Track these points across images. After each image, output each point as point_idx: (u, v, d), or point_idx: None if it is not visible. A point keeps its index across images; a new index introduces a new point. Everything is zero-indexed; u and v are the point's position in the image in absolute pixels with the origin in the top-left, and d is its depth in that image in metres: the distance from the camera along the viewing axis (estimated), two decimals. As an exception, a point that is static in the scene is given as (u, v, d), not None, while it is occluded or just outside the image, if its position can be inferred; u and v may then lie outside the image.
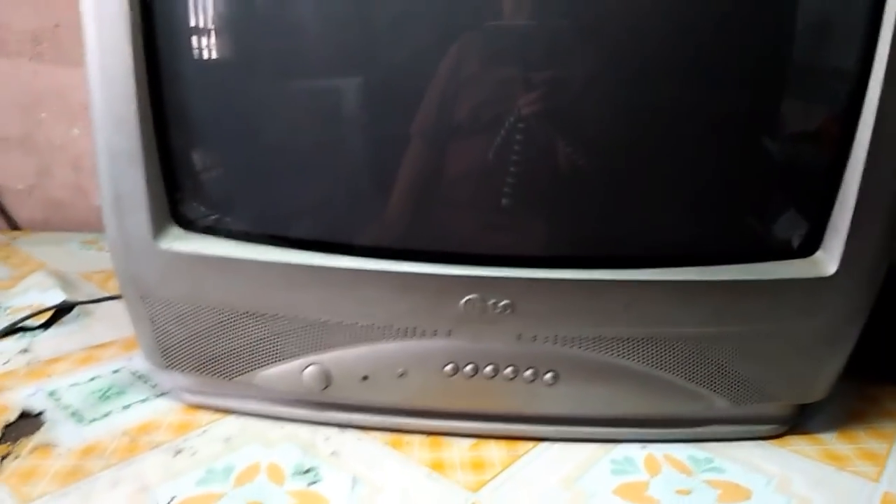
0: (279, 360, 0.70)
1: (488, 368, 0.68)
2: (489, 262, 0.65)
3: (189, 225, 0.68)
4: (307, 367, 0.69)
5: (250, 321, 0.68)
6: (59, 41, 1.33)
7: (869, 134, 0.60)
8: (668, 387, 0.69)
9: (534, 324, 0.66)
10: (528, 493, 0.65)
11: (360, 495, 0.63)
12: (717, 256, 0.66)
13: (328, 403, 0.73)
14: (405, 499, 0.64)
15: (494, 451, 0.70)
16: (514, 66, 0.63)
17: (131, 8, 0.60)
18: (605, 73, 0.63)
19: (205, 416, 0.75)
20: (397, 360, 0.69)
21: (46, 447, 0.69)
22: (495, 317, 0.65)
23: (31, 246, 1.31)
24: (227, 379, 0.71)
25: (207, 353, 0.70)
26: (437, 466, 0.68)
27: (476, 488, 0.65)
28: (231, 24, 0.66)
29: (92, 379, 0.82)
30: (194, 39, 0.65)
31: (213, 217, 0.69)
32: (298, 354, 0.69)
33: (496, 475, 0.67)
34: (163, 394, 0.79)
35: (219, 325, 0.69)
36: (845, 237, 0.63)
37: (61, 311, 0.97)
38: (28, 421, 0.73)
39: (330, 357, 0.69)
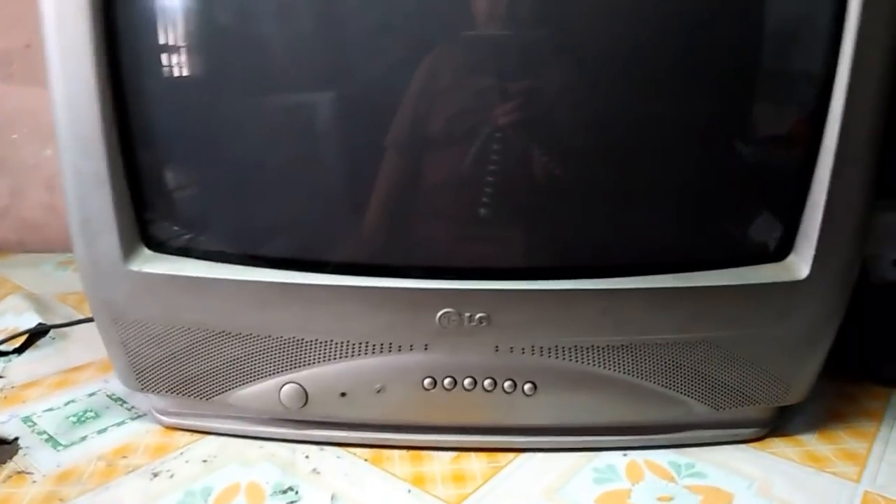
0: (255, 380, 0.69)
1: (467, 381, 0.68)
2: (464, 276, 0.65)
3: (159, 246, 0.67)
4: (284, 385, 0.69)
5: (224, 341, 0.68)
6: (29, 62, 1.32)
7: (836, 137, 0.60)
8: (648, 394, 0.69)
9: (510, 335, 0.66)
10: (509, 505, 0.64)
11: (340, 514, 0.63)
12: (692, 262, 0.66)
13: (307, 421, 0.72)
14: (386, 516, 0.63)
15: (475, 463, 0.70)
16: (489, 76, 0.63)
17: (94, 29, 0.60)
18: (580, 82, 0.64)
19: (182, 438, 0.74)
20: (375, 375, 0.68)
21: (22, 474, 0.68)
22: (471, 329, 0.65)
23: (5, 268, 1.29)
24: (203, 399, 0.71)
25: (182, 374, 0.70)
26: (418, 481, 0.67)
27: (457, 502, 0.64)
28: (198, 41, 0.65)
29: (67, 403, 0.81)
30: (160, 58, 0.64)
31: (184, 237, 0.68)
32: (275, 373, 0.69)
33: (477, 488, 0.66)
34: (139, 416, 0.78)
35: (193, 346, 0.68)
36: (816, 240, 0.63)
37: (36, 335, 0.96)
38: (3, 448, 0.72)
39: (307, 375, 0.69)
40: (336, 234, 0.69)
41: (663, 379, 0.68)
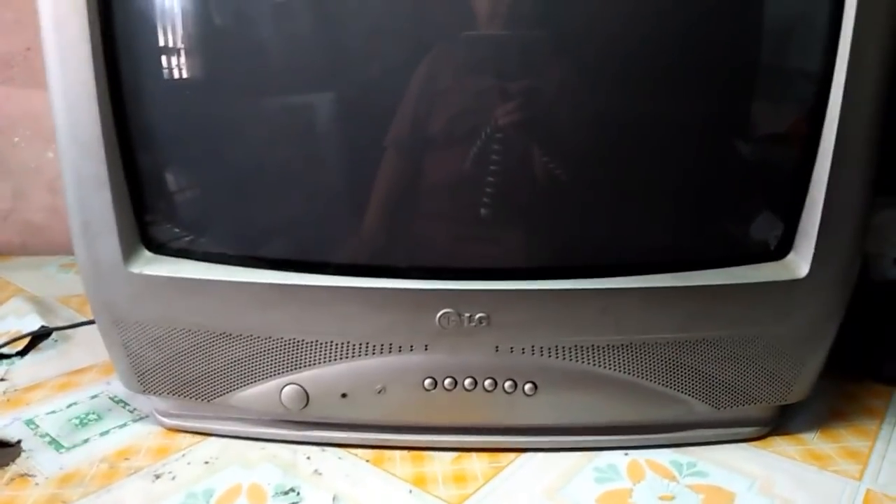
0: (256, 381, 0.69)
1: (467, 381, 0.68)
2: (463, 276, 0.65)
3: (160, 248, 0.67)
4: (285, 386, 0.69)
5: (225, 342, 0.68)
6: (30, 64, 1.32)
7: (833, 134, 0.60)
8: (648, 393, 0.69)
9: (511, 335, 0.66)
10: (510, 505, 0.65)
11: (341, 514, 0.63)
12: (692, 262, 0.66)
13: (308, 422, 0.72)
14: (387, 516, 0.63)
15: (476, 463, 0.70)
16: (490, 76, 0.63)
17: (92, 32, 0.60)
18: (580, 82, 0.64)
19: (184, 440, 0.74)
20: (375, 376, 0.68)
21: (24, 477, 0.68)
22: (471, 330, 0.65)
23: (8, 271, 1.30)
24: (204, 401, 0.71)
25: (183, 375, 0.70)
26: (419, 482, 0.67)
27: (458, 503, 0.64)
28: (196, 43, 0.66)
29: (70, 405, 0.81)
30: (159, 61, 0.64)
31: (185, 239, 0.68)
32: (275, 374, 0.69)
33: (478, 488, 0.66)
34: (142, 418, 0.78)
35: (194, 348, 0.68)
36: (815, 238, 0.63)
37: (38, 338, 0.96)
38: (5, 451, 0.72)
39: (307, 376, 0.69)
40: (336, 235, 0.69)
41: (664, 378, 0.68)
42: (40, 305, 1.09)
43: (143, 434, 0.75)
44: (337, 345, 0.67)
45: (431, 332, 0.65)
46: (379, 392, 0.69)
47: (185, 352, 0.69)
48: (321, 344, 0.67)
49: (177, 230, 0.69)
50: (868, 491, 0.65)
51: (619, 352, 0.67)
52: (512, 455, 0.71)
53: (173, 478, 0.68)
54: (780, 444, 0.73)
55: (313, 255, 0.68)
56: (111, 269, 0.66)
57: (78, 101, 0.61)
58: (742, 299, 0.66)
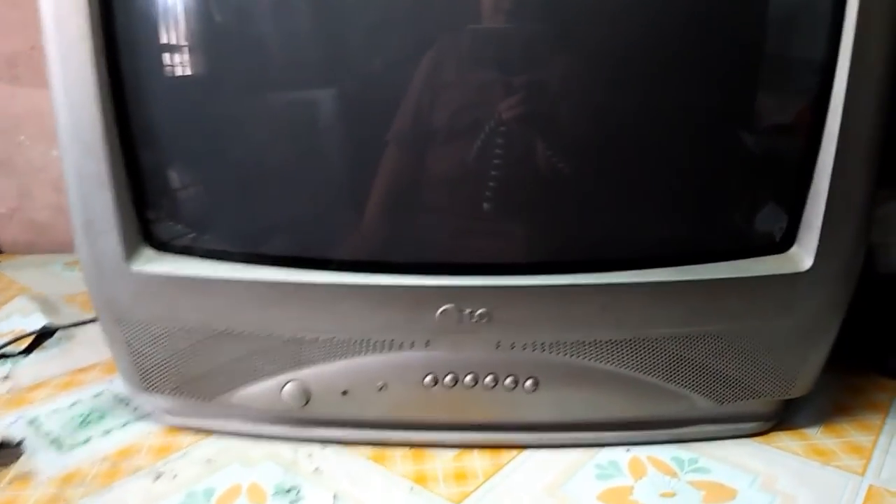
0: (258, 379, 0.69)
1: (468, 378, 0.68)
2: (464, 272, 0.64)
3: (162, 246, 0.67)
4: (286, 384, 0.69)
5: (227, 340, 0.68)
6: (35, 63, 1.32)
7: (837, 125, 0.60)
8: (650, 389, 0.68)
9: (512, 331, 0.66)
10: (511, 502, 0.64)
11: (342, 512, 0.63)
12: (694, 255, 0.65)
13: (309, 420, 0.72)
14: (387, 514, 0.63)
15: (478, 461, 0.70)
16: (493, 70, 0.62)
17: (93, 30, 0.60)
18: (583, 75, 0.63)
19: (186, 438, 0.74)
20: (376, 373, 0.68)
21: (26, 476, 0.68)
22: (472, 326, 0.65)
23: (13, 270, 1.30)
24: (206, 399, 0.71)
25: (185, 374, 0.70)
26: (420, 479, 0.67)
27: (459, 500, 0.64)
28: (196, 40, 0.65)
29: (73, 404, 0.81)
30: (160, 58, 0.64)
31: (186, 237, 0.68)
32: (277, 372, 0.69)
33: (479, 486, 0.66)
34: (144, 416, 0.78)
35: (195, 346, 0.68)
36: (819, 231, 0.63)
37: (42, 336, 0.97)
38: (8, 450, 0.72)
39: (308, 373, 0.69)
40: (338, 232, 0.69)
41: (666, 373, 0.68)
42: (45, 304, 1.10)
43: (144, 433, 0.75)
44: (338, 342, 0.67)
45: (432, 328, 0.65)
46: (380, 389, 0.69)
47: (187, 350, 0.68)
48: (322, 341, 0.67)
49: (179, 228, 0.69)
50: (871, 486, 0.65)
51: (620, 347, 0.67)
52: (513, 452, 0.71)
53: (174, 477, 0.68)
54: (782, 439, 0.73)
55: (315, 252, 0.68)
56: (113, 267, 0.66)
57: (79, 100, 0.61)
58: (745, 293, 0.65)
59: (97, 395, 0.83)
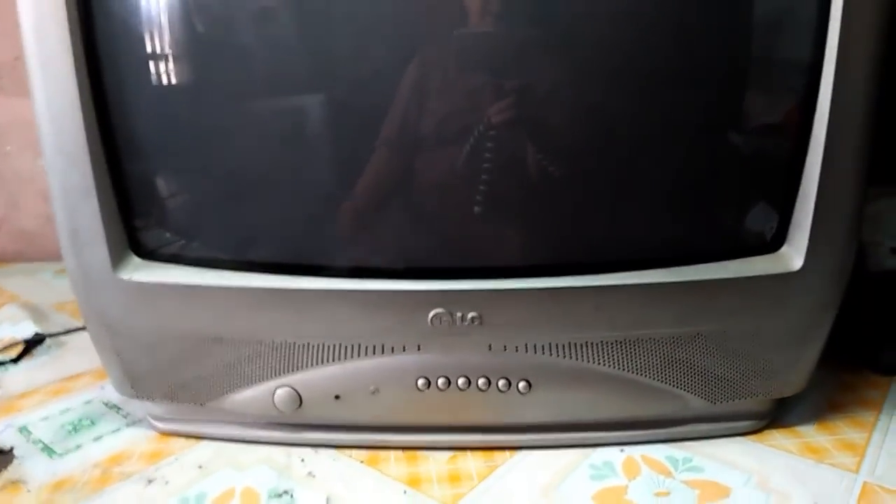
0: (249, 384, 0.69)
1: (461, 381, 0.68)
2: (455, 276, 0.64)
3: (149, 254, 0.67)
4: (277, 389, 0.69)
5: (217, 347, 0.67)
6: (19, 73, 1.31)
7: (825, 125, 0.60)
8: (643, 389, 0.68)
9: (503, 334, 0.66)
10: (505, 504, 0.64)
11: (335, 517, 0.63)
12: (685, 257, 0.65)
13: (302, 424, 0.72)
14: (381, 518, 0.63)
15: (471, 462, 0.70)
16: (482, 74, 0.62)
17: (73, 41, 0.59)
18: (573, 78, 0.63)
19: (177, 444, 0.74)
20: (368, 377, 0.68)
21: (17, 484, 0.68)
22: (464, 329, 0.65)
23: (3, 278, 1.29)
24: (197, 405, 0.70)
25: (176, 380, 0.69)
26: (414, 482, 0.67)
27: (453, 502, 0.64)
28: (180, 49, 0.65)
29: (63, 411, 0.81)
30: (143, 68, 0.63)
31: (174, 245, 0.68)
32: (268, 377, 0.69)
33: (473, 487, 0.66)
34: (135, 423, 0.78)
35: (185, 353, 0.68)
36: (809, 230, 0.63)
37: (32, 344, 0.96)
38: (-2, 458, 0.72)
39: (300, 378, 0.68)
40: (326, 238, 0.68)
41: (658, 374, 0.68)
42: (35, 312, 1.09)
43: (136, 439, 0.75)
44: (329, 347, 0.67)
45: (424, 332, 0.65)
46: (372, 393, 0.68)
47: (177, 356, 0.68)
48: (313, 346, 0.67)
49: (166, 236, 0.68)
50: (865, 483, 0.65)
51: (613, 348, 0.67)
52: (507, 454, 0.71)
53: (166, 482, 0.67)
54: (776, 437, 0.73)
55: (305, 258, 0.67)
56: (101, 276, 0.65)
57: (62, 111, 0.61)
58: (736, 293, 0.65)
59: (88, 402, 0.83)
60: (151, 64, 0.63)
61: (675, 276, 0.64)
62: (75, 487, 0.67)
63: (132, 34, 0.62)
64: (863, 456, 0.69)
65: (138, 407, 0.79)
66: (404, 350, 0.67)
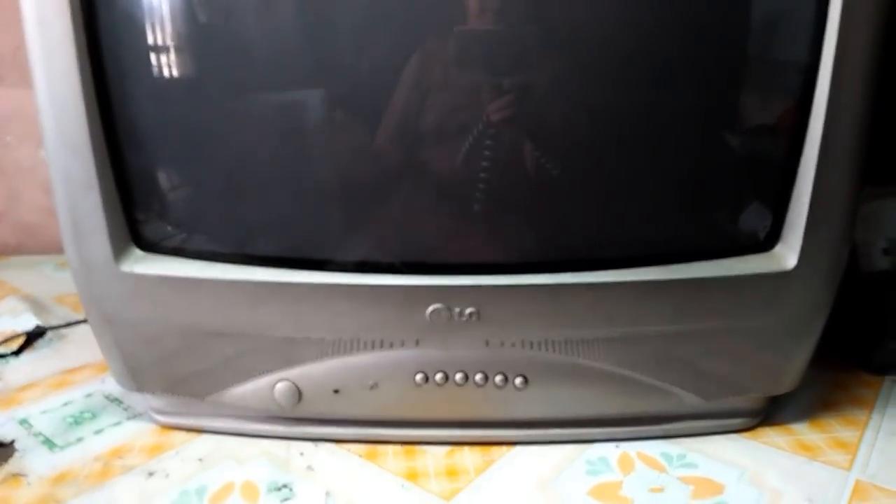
0: (249, 378, 0.70)
1: (458, 376, 0.68)
2: (453, 271, 0.65)
3: (151, 247, 0.67)
4: (277, 383, 0.69)
5: (217, 340, 0.68)
6: (20, 64, 1.32)
7: (820, 126, 0.60)
8: (638, 386, 0.69)
9: (500, 330, 0.66)
10: (501, 498, 0.65)
11: (333, 510, 0.64)
12: (680, 254, 0.66)
13: (301, 418, 0.73)
14: (378, 511, 0.64)
15: (468, 457, 0.70)
16: (481, 72, 0.63)
17: (76, 32, 0.59)
18: (572, 76, 0.63)
19: (178, 437, 0.74)
20: (367, 372, 0.69)
21: (17, 477, 0.68)
22: (462, 325, 0.65)
23: (3, 270, 1.30)
24: (198, 398, 0.71)
25: (176, 373, 0.70)
26: (412, 476, 0.68)
27: (450, 496, 0.65)
28: (182, 41, 0.65)
29: (64, 404, 0.81)
30: (146, 60, 0.64)
31: (175, 238, 0.69)
32: (268, 371, 0.69)
33: (470, 482, 0.67)
34: (136, 416, 0.78)
35: (186, 346, 0.69)
36: (803, 230, 0.63)
37: (33, 337, 0.97)
38: (-1, 451, 0.72)
39: (300, 372, 0.69)
40: (326, 232, 0.69)
41: (653, 371, 0.68)
42: (36, 304, 1.10)
43: (136, 432, 0.76)
44: (328, 341, 0.68)
45: (422, 327, 0.66)
46: (371, 387, 0.69)
47: (178, 350, 0.69)
48: (313, 340, 0.68)
49: (168, 228, 0.69)
50: (857, 481, 0.66)
51: (609, 345, 0.67)
52: (504, 448, 0.72)
53: (167, 475, 0.68)
54: (769, 434, 0.73)
55: (304, 252, 0.68)
56: (102, 268, 0.66)
57: (64, 103, 0.61)
58: (731, 291, 0.66)
59: (89, 395, 0.83)
60: (154, 55, 0.63)
61: (670, 273, 0.65)
62: (76, 480, 0.67)
63: (135, 25, 0.62)
64: (855, 454, 0.70)
65: (139, 400, 0.79)
66: (403, 345, 0.67)
